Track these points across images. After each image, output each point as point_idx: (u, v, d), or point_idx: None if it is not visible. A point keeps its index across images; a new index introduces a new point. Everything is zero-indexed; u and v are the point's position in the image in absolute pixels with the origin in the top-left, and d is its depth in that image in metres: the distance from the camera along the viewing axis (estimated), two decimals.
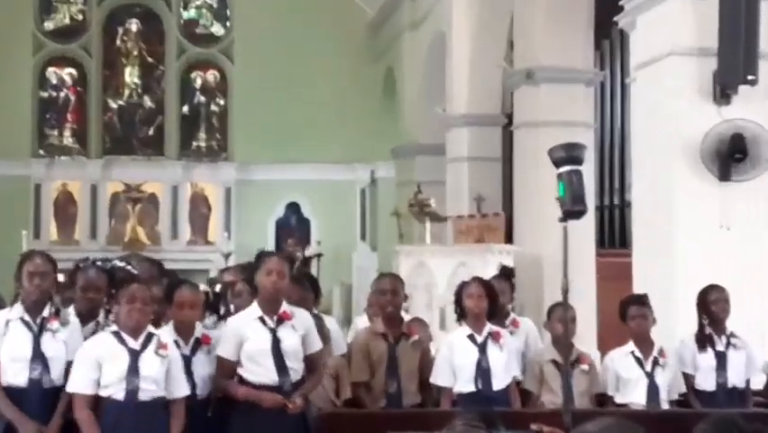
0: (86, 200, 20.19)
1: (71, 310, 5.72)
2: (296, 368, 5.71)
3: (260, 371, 5.65)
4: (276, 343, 5.67)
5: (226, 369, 5.70)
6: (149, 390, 5.22)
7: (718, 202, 8.57)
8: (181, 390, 5.44)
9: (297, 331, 5.74)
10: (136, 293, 5.28)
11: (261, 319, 5.72)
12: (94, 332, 5.75)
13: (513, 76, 12.57)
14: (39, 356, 5.39)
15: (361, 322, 7.59)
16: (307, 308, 6.27)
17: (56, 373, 5.42)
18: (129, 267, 6.52)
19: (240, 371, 5.70)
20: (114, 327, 5.33)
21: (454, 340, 6.45)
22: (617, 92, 13.90)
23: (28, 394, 5.35)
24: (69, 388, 5.26)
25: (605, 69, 13.64)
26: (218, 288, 8.22)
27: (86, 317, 5.83)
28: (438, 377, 6.40)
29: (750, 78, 8.36)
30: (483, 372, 6.29)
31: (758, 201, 8.65)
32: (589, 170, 11.46)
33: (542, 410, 6.38)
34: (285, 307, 5.80)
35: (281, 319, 5.73)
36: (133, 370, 5.20)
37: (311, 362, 5.85)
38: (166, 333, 5.60)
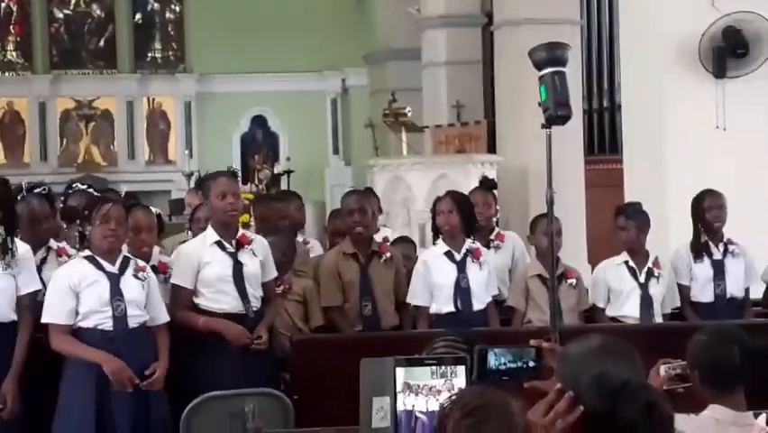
0: (35, 119, 19.97)
1: (20, 242, 5.53)
2: (257, 295, 5.74)
3: (221, 298, 5.66)
4: (238, 268, 5.67)
5: (183, 298, 5.68)
6: (135, 315, 5.22)
7: (714, 101, 8.59)
8: (163, 315, 5.44)
9: (257, 256, 5.76)
10: (110, 213, 5.24)
11: (219, 244, 5.71)
12: (44, 258, 5.73)
13: None
14: None
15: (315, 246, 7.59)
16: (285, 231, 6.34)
17: (1, 312, 5.30)
18: (90, 189, 6.50)
19: (197, 300, 5.69)
20: (87, 252, 5.29)
21: (430, 258, 6.49)
22: None
23: None
24: (45, 318, 5.21)
25: None
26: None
27: (35, 245, 5.76)
28: (414, 297, 6.45)
29: None
30: (463, 291, 6.34)
31: (756, 98, 8.68)
32: (575, 71, 11.50)
33: (527, 328, 6.46)
34: (242, 231, 5.81)
35: (241, 244, 5.73)
36: (117, 294, 5.18)
37: (267, 290, 5.88)
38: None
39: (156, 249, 6.09)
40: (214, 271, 5.67)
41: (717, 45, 8.50)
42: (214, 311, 5.67)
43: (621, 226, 6.77)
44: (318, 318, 6.45)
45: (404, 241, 7.61)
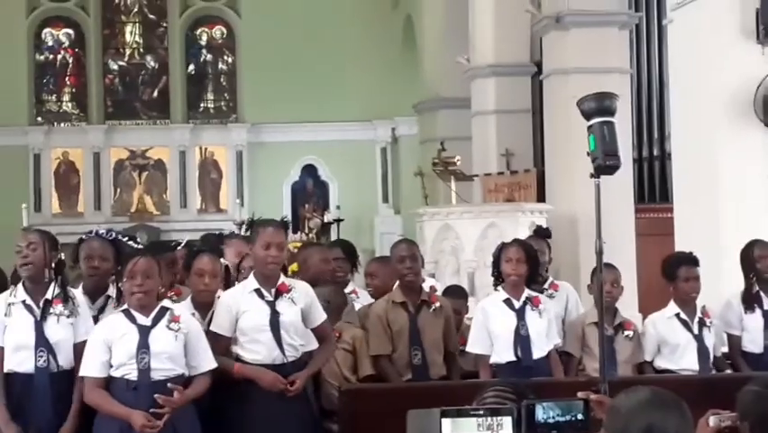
0: (89, 169, 20.27)
1: (79, 291, 5.70)
2: (295, 345, 5.71)
3: (256, 348, 5.65)
4: (275, 317, 5.68)
5: (220, 345, 5.64)
6: (162, 368, 5.25)
7: (765, 151, 8.54)
8: (206, 363, 5.41)
9: (297, 304, 5.75)
10: (137, 268, 5.28)
11: (258, 292, 5.73)
12: (103, 306, 5.80)
13: (541, 21, 12.50)
14: (43, 343, 5.39)
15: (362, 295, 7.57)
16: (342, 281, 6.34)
17: (63, 358, 5.44)
18: (131, 242, 6.54)
19: (236, 348, 5.69)
20: (124, 305, 5.34)
21: (489, 306, 6.46)
22: (654, 35, 13.81)
23: (34, 382, 5.40)
24: (82, 372, 5.28)
25: (640, 10, 13.53)
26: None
27: (94, 292, 5.86)
28: (474, 345, 6.42)
29: None
30: (522, 339, 6.30)
31: None
32: (625, 119, 11.49)
33: (577, 380, 6.40)
34: (283, 279, 5.82)
35: (279, 292, 5.74)
36: (143, 347, 5.21)
37: (321, 332, 5.85)
38: (183, 307, 5.62)
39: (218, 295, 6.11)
40: (251, 320, 5.67)
41: (765, 94, 8.46)
42: (248, 362, 5.66)
43: (687, 277, 6.68)
44: (367, 368, 6.41)
45: (455, 292, 7.58)
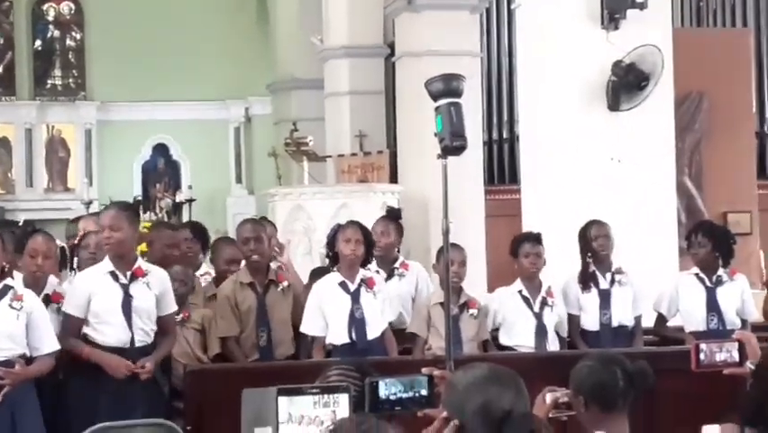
0: None
1: None
2: (146, 329, 5.66)
3: (107, 330, 5.60)
4: (127, 300, 5.60)
5: (72, 326, 5.62)
6: (4, 348, 5.09)
7: (608, 133, 8.76)
8: (48, 344, 5.33)
9: (152, 290, 5.69)
10: None
11: (113, 274, 5.64)
12: None
13: (394, 3, 12.54)
14: None
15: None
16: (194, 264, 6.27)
17: None
18: None
19: (86, 329, 5.63)
20: None
21: (324, 287, 6.46)
22: (504, 19, 13.98)
23: None
24: None
25: None
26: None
27: None
28: (308, 326, 6.42)
29: (639, 0, 8.52)
30: (357, 322, 6.33)
31: (648, 130, 8.87)
32: (475, 102, 11.65)
33: (423, 358, 6.47)
34: (140, 263, 5.74)
35: (135, 276, 5.66)
36: None
37: (164, 324, 5.82)
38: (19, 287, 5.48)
39: (53, 278, 5.99)
40: (103, 302, 5.59)
41: (612, 78, 8.69)
42: (98, 344, 5.58)
43: (528, 253, 6.83)
44: (216, 347, 6.41)
45: (320, 273, 7.56)
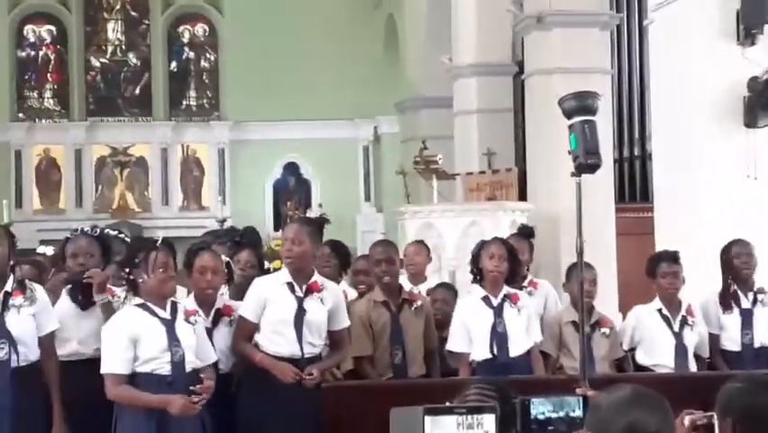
0: (71, 166, 20.20)
1: (38, 287, 5.63)
2: (316, 343, 5.75)
3: (278, 340, 5.70)
4: (300, 313, 5.70)
5: (245, 330, 5.75)
6: (190, 361, 5.22)
7: (744, 150, 8.57)
8: (211, 356, 5.47)
9: (325, 305, 5.77)
10: (167, 261, 5.23)
11: (290, 286, 5.75)
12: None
13: (523, 21, 12.50)
14: (4, 335, 5.34)
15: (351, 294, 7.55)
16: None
17: (25, 352, 5.37)
18: (122, 235, 6.57)
19: (257, 337, 5.74)
20: (138, 300, 5.27)
21: (468, 303, 6.46)
22: (635, 35, 13.81)
23: None
24: (105, 369, 5.19)
25: (621, 10, 13.53)
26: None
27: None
28: (453, 343, 6.42)
29: None
30: (498, 336, 6.29)
31: None
32: (606, 119, 11.49)
33: (557, 377, 6.41)
34: (317, 277, 5.83)
35: (310, 290, 5.76)
36: (174, 340, 5.17)
37: (336, 339, 5.89)
38: (188, 303, 5.60)
39: (222, 293, 6.11)
40: (277, 313, 5.71)
41: (748, 95, 8.50)
42: (269, 353, 5.70)
43: (665, 273, 6.71)
44: (349, 364, 6.43)
45: (444, 287, 7.58)
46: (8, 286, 5.42)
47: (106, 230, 6.93)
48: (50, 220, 17.77)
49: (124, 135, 20.51)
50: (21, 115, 20.71)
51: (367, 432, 5.07)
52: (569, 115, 5.50)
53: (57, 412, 5.39)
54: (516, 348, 6.35)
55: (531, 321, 6.50)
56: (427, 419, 2.85)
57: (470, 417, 2.93)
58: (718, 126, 8.64)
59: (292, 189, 20.42)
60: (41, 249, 11.03)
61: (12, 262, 5.52)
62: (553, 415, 2.99)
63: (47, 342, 5.51)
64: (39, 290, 5.58)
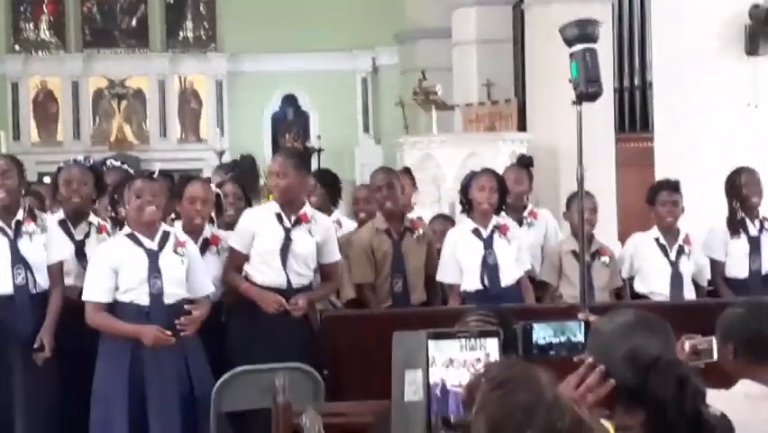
0: (68, 98, 20.07)
1: (50, 215, 5.76)
2: (303, 273, 5.77)
3: (265, 270, 5.73)
4: (287, 243, 5.71)
5: (234, 261, 5.80)
6: (172, 293, 5.25)
7: (747, 79, 8.53)
8: (206, 286, 5.50)
9: (314, 236, 5.78)
10: (143, 187, 5.26)
11: (278, 216, 5.76)
12: (88, 233, 5.81)
13: None
14: (20, 261, 5.43)
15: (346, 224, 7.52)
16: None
17: (41, 278, 5.47)
18: (124, 166, 6.58)
19: (247, 267, 5.77)
20: (128, 229, 5.31)
21: (458, 235, 6.47)
22: None
23: (15, 301, 5.41)
24: (85, 297, 5.27)
25: None
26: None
27: (75, 218, 5.86)
28: (444, 274, 6.44)
29: None
30: (489, 268, 6.31)
31: None
32: (606, 49, 11.39)
33: (557, 305, 6.44)
34: (307, 209, 5.84)
35: (299, 221, 5.77)
36: (154, 271, 5.20)
37: (327, 271, 5.92)
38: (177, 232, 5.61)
39: (206, 224, 6.12)
40: (264, 243, 5.73)
41: (749, 23, 8.44)
42: (257, 283, 5.73)
43: (665, 201, 6.72)
44: (350, 292, 6.46)
45: (442, 218, 7.59)
46: (19, 215, 5.49)
47: (109, 160, 6.96)
48: (48, 153, 17.70)
49: (121, 67, 20.36)
50: (17, 47, 20.53)
51: (367, 360, 5.09)
52: (570, 42, 5.47)
53: (50, 322, 5.44)
54: (506, 279, 6.38)
55: (521, 251, 6.51)
56: (431, 343, 2.86)
57: (472, 340, 2.94)
58: (719, 54, 8.60)
59: (291, 122, 20.35)
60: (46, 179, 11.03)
61: (23, 191, 5.58)
62: (555, 340, 3.00)
63: (55, 270, 5.55)
64: (48, 219, 5.67)
